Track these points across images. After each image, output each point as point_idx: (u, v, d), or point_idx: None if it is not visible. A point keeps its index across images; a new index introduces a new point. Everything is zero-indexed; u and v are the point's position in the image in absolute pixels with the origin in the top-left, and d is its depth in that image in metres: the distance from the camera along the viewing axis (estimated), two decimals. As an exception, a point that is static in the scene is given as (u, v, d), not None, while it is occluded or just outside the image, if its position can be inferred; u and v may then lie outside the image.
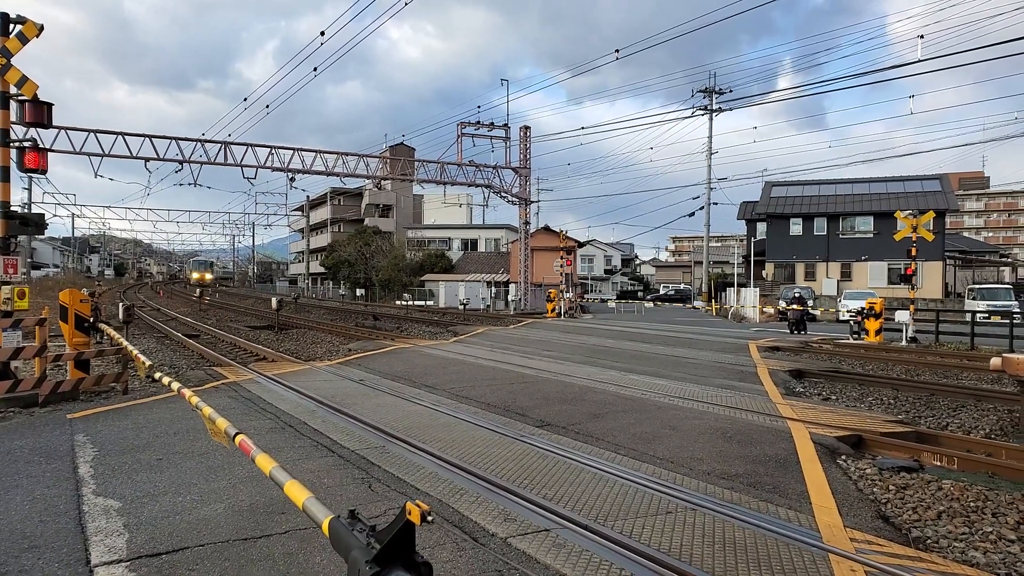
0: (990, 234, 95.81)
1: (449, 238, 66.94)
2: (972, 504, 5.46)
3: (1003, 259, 60.28)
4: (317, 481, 5.35)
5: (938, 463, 6.78)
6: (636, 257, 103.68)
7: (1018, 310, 27.01)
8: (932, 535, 4.85)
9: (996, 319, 24.02)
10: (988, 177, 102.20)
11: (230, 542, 4.15)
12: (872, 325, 20.28)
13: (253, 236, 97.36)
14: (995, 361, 8.81)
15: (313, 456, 6.17)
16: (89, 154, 27.77)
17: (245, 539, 4.19)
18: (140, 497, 4.98)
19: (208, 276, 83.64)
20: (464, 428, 7.42)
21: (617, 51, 24.27)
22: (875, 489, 5.85)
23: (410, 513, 1.87)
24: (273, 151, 31.20)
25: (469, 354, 14.81)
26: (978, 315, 21.80)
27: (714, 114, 47.09)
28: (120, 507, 4.77)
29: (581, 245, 59.81)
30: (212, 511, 4.68)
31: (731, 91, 45.51)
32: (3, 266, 9.62)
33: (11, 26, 9.42)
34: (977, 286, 35.15)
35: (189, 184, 32.01)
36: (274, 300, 26.35)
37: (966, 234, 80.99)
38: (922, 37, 23.09)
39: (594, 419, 7.97)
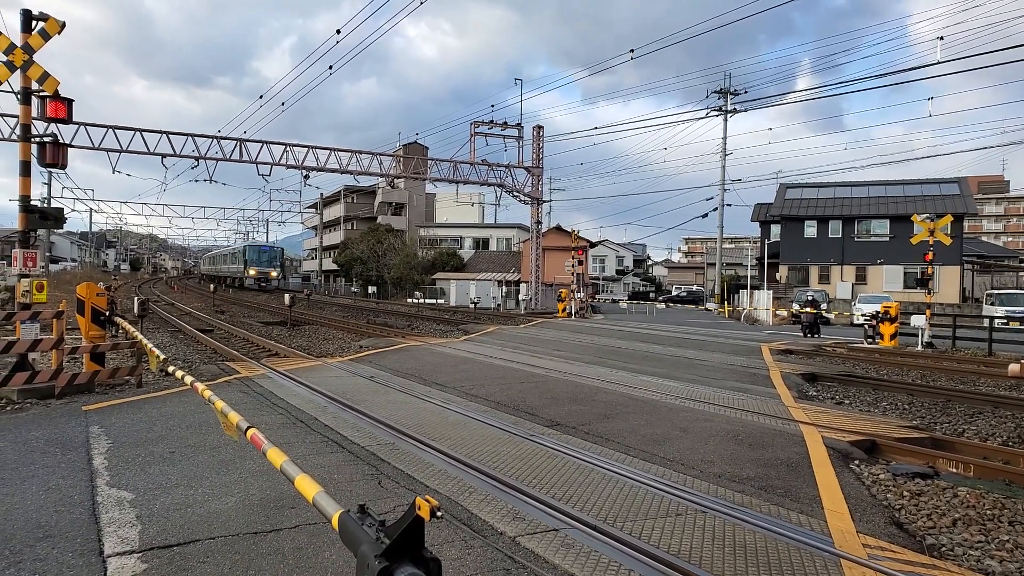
0: (1009, 239, 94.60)
1: (461, 237, 67.03)
2: (988, 512, 5.39)
3: (1023, 264, 59.46)
4: (327, 476, 5.37)
5: (954, 470, 6.70)
6: (648, 258, 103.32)
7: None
8: (947, 542, 4.79)
9: (1015, 325, 23.72)
10: (1008, 181, 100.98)
11: (240, 535, 4.17)
12: (887, 329, 20.08)
13: (267, 233, 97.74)
14: (1013, 367, 8.70)
15: (323, 452, 6.20)
16: (108, 150, 28.08)
17: (255, 533, 4.22)
18: (153, 489, 5.02)
19: (273, 273, 56.83)
20: (474, 426, 7.43)
21: (632, 51, 24.22)
22: (889, 495, 5.78)
23: (419, 508, 1.87)
24: (288, 149, 31.39)
25: (479, 353, 14.82)
26: (996, 321, 21.52)
27: (729, 115, 46.80)
28: (133, 499, 4.81)
29: (593, 245, 59.69)
30: (223, 504, 4.71)
31: (746, 92, 45.14)
32: (23, 259, 9.73)
33: (34, 23, 9.52)
34: (996, 291, 34.72)
35: (204, 180, 32.31)
36: (286, 296, 26.49)
37: (985, 238, 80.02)
38: (942, 39, 22.99)
39: (604, 420, 7.95)
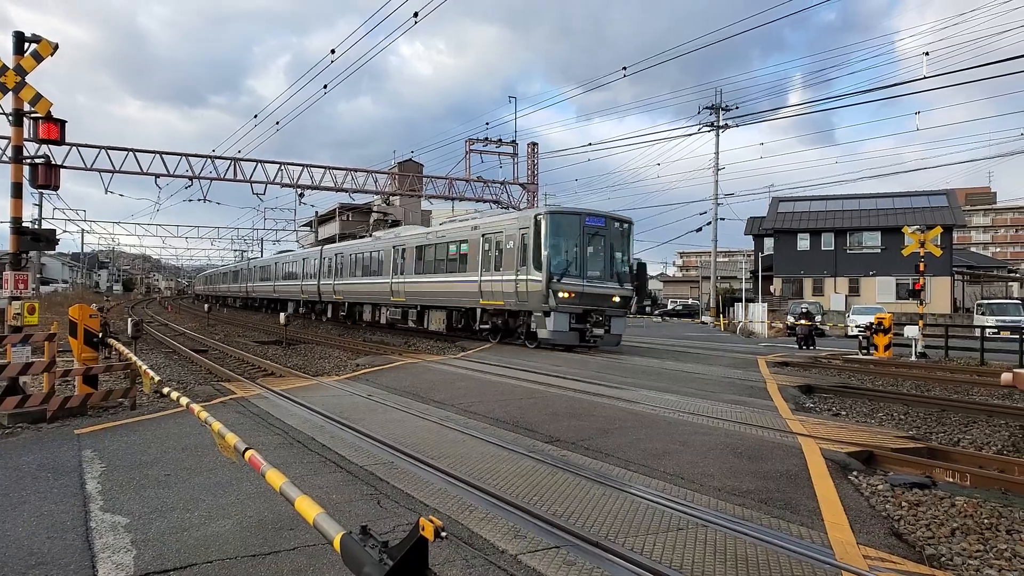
0: (998, 249, 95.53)
1: (457, 253, 66.77)
2: (986, 521, 5.39)
3: (1011, 274, 59.94)
4: (326, 497, 5.32)
5: (950, 479, 6.71)
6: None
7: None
8: (946, 552, 4.79)
9: (1006, 334, 23.87)
10: (995, 192, 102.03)
11: (238, 559, 4.13)
12: (881, 340, 20.16)
13: (262, 251, 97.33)
14: (1006, 376, 8.71)
15: (322, 472, 6.15)
16: (100, 170, 28.09)
17: (253, 556, 4.17)
18: (148, 513, 4.97)
19: (618, 298, 19.16)
20: (473, 444, 7.39)
21: (624, 68, 24.44)
22: (887, 506, 5.78)
23: (423, 529, 1.85)
24: (282, 167, 31.46)
25: (477, 369, 14.78)
26: (987, 330, 21.67)
27: (721, 130, 47.17)
28: (128, 523, 4.76)
29: (588, 260, 59.60)
30: (220, 527, 4.67)
31: (737, 107, 45.62)
32: (14, 281, 9.68)
33: (26, 45, 9.54)
34: (986, 301, 35.01)
35: (199, 200, 32.31)
36: (282, 315, 26.40)
37: (973, 249, 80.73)
38: (927, 54, 23.35)
39: (603, 434, 7.93)
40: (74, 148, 27.28)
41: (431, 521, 1.86)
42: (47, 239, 10.48)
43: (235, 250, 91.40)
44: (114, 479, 5.87)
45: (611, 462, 6.65)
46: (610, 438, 7.75)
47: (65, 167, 26.40)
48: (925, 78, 22.28)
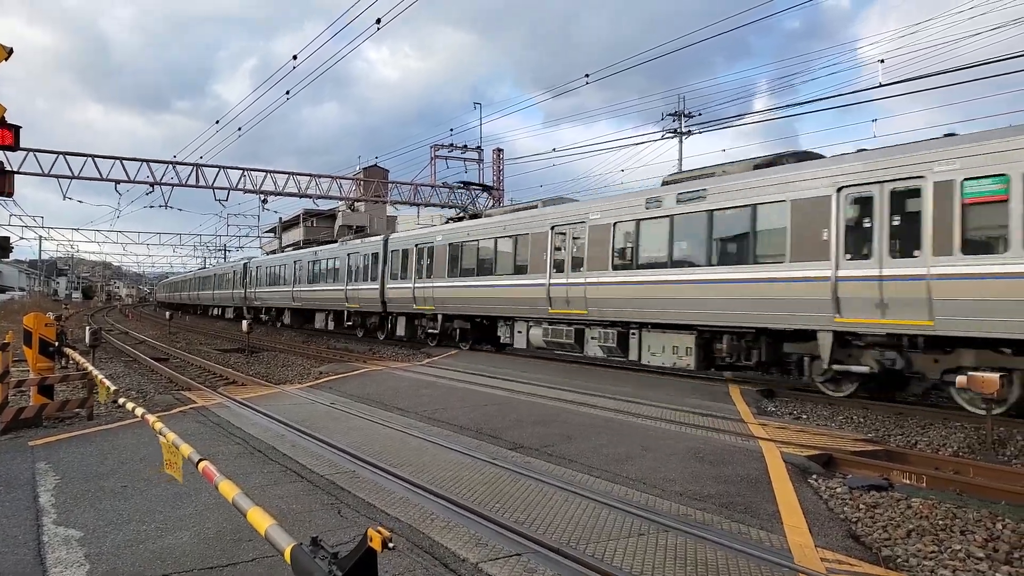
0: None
1: (424, 259, 66.44)
2: (941, 522, 5.53)
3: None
4: (286, 507, 5.25)
5: (907, 481, 6.87)
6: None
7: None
8: (902, 553, 4.90)
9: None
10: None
11: (195, 571, 4.05)
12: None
13: (225, 258, 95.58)
14: (960, 379, 8.98)
15: (282, 481, 6.07)
16: (58, 176, 27.34)
17: (211, 568, 4.10)
18: (103, 526, 4.85)
19: None
20: (436, 451, 7.36)
21: (587, 75, 24.51)
22: (845, 508, 5.90)
23: (371, 540, 1.84)
24: (246, 173, 31.00)
25: (442, 376, 14.72)
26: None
27: (684, 136, 47.78)
28: (82, 537, 4.64)
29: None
30: (177, 539, 4.57)
31: (700, 114, 46.19)
32: (-36, 289, 9.38)
33: (-23, 48, 9.26)
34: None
35: (160, 206, 31.67)
36: (244, 323, 25.97)
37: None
38: (882, 62, 23.60)
39: (567, 441, 7.96)
40: (30, 153, 26.51)
41: (379, 532, 1.85)
42: (1, 247, 10.18)
43: (196, 257, 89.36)
44: (68, 491, 5.72)
45: (574, 468, 6.68)
46: (573, 444, 7.78)
47: (20, 173, 25.65)
48: (881, 86, 22.71)
